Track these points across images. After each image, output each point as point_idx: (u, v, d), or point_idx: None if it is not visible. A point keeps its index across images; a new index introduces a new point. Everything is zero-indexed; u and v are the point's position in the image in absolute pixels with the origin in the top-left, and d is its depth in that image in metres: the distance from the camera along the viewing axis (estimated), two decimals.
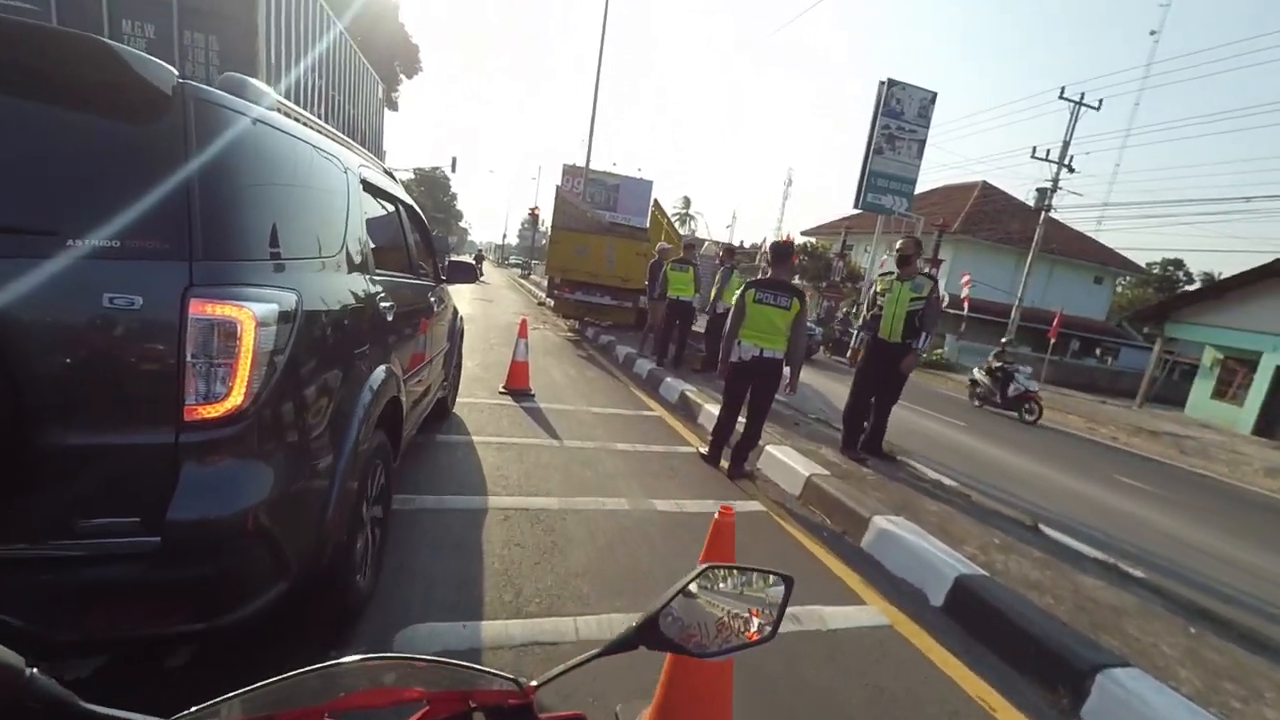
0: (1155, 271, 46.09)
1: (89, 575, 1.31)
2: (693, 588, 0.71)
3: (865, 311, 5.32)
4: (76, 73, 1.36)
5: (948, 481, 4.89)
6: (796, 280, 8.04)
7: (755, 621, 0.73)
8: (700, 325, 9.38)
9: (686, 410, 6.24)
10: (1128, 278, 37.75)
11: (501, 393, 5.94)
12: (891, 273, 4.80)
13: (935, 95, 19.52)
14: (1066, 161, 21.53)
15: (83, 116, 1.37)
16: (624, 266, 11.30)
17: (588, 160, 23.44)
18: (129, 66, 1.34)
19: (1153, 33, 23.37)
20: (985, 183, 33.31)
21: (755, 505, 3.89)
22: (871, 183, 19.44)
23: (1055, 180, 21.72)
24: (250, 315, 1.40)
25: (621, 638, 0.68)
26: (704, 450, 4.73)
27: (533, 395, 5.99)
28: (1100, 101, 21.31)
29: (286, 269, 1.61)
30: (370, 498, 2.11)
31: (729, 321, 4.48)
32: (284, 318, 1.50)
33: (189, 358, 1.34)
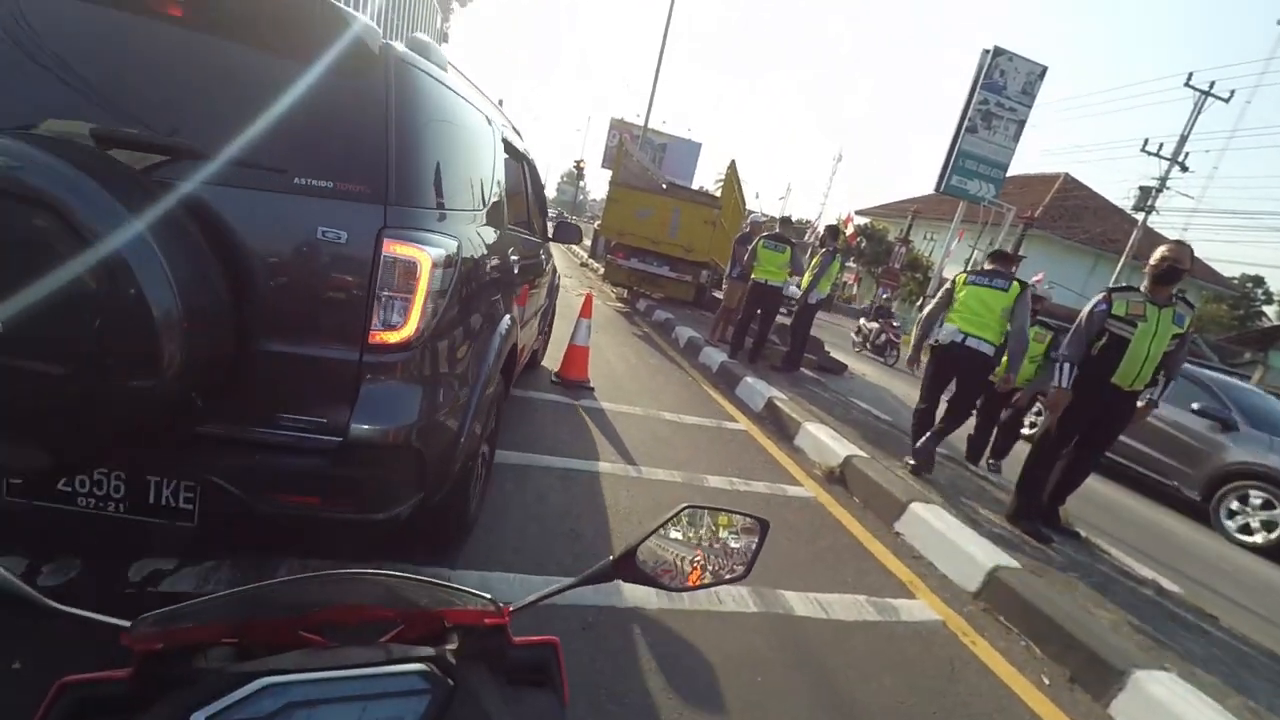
0: (1233, 287, 42.60)
1: (284, 460, 1.52)
2: (671, 526, 0.73)
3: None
4: (305, 29, 1.52)
5: (1165, 583, 3.63)
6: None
7: (730, 561, 0.76)
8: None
9: (777, 424, 5.04)
10: (1204, 291, 34.73)
11: (554, 382, 4.82)
12: (1132, 288, 3.39)
13: (1045, 70, 17.29)
14: (1180, 159, 19.17)
15: (306, 69, 1.48)
16: (689, 235, 9.96)
17: (648, 115, 21.77)
18: (349, 26, 1.50)
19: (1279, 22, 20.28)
20: (1068, 175, 30.51)
21: (927, 612, 2.71)
22: (959, 164, 17.49)
23: (1164, 178, 19.40)
24: (428, 257, 1.54)
25: (599, 569, 0.70)
26: (809, 488, 3.57)
27: (591, 389, 4.85)
28: (1232, 93, 18.76)
29: (447, 218, 1.74)
30: (485, 435, 2.20)
31: (932, 302, 4.31)
32: (448, 262, 1.63)
33: (379, 289, 1.50)
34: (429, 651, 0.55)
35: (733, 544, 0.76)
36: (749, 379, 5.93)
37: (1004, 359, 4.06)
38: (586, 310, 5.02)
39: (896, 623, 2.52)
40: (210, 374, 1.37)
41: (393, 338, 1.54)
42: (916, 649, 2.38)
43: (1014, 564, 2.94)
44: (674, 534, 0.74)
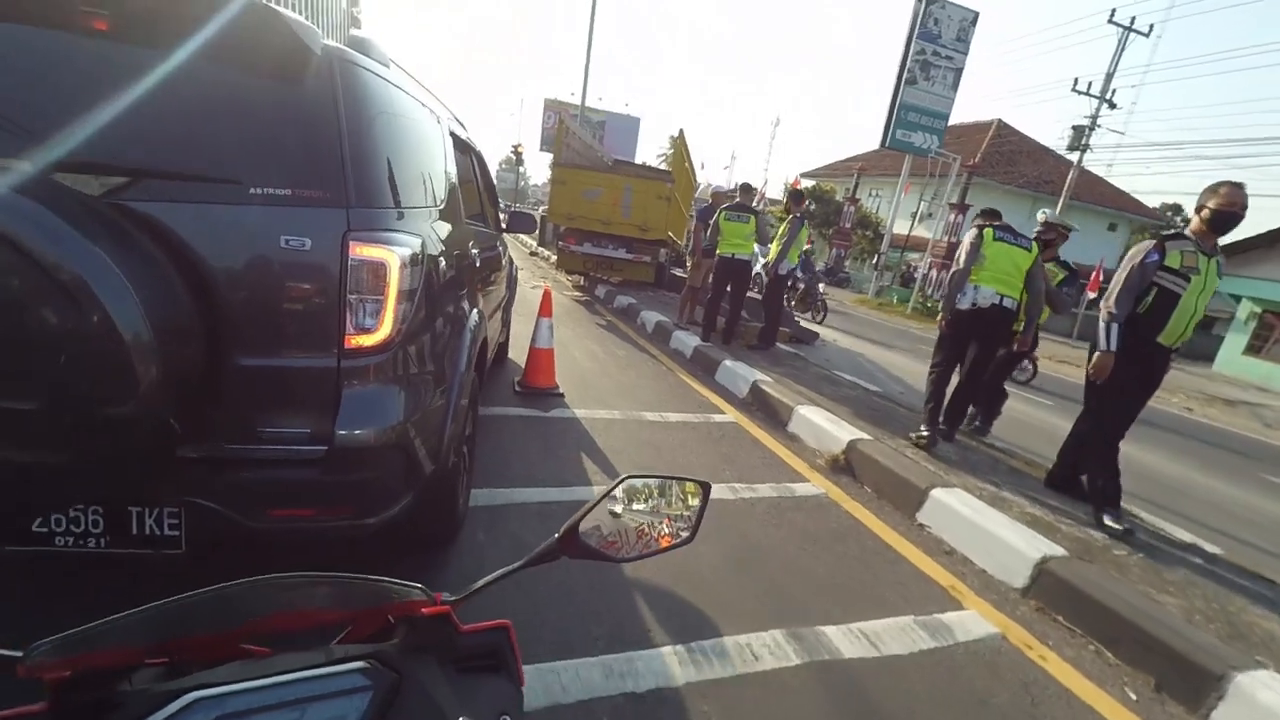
0: (1157, 217, 44.75)
1: (271, 474, 1.49)
2: (614, 497, 0.73)
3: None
4: (246, 35, 1.43)
5: (1206, 546, 3.42)
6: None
7: (675, 527, 0.76)
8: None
9: (767, 411, 4.66)
10: (1130, 221, 36.27)
11: (518, 391, 4.29)
12: (1182, 236, 2.99)
13: (977, 16, 17.30)
14: (1109, 96, 19.59)
15: (249, 76, 1.47)
16: (643, 213, 9.42)
17: (584, 92, 20.88)
18: (290, 29, 1.44)
19: None
20: (1001, 121, 31.10)
21: (982, 625, 2.36)
22: (901, 117, 17.45)
23: (1095, 116, 19.83)
24: (396, 256, 1.53)
25: (543, 549, 0.69)
26: (817, 483, 3.20)
27: (560, 395, 4.35)
28: (1151, 27, 19.20)
29: (405, 216, 1.68)
30: (466, 429, 2.21)
31: (959, 260, 3.91)
32: (414, 260, 1.61)
33: (349, 293, 1.48)
34: (372, 648, 0.55)
35: (677, 509, 0.78)
36: (727, 362, 5.52)
37: (1020, 320, 3.83)
38: (546, 308, 4.48)
39: (954, 646, 2.16)
40: (185, 394, 1.33)
41: (368, 340, 1.53)
42: (985, 678, 2.02)
43: (1060, 551, 2.62)
44: (617, 506, 0.74)
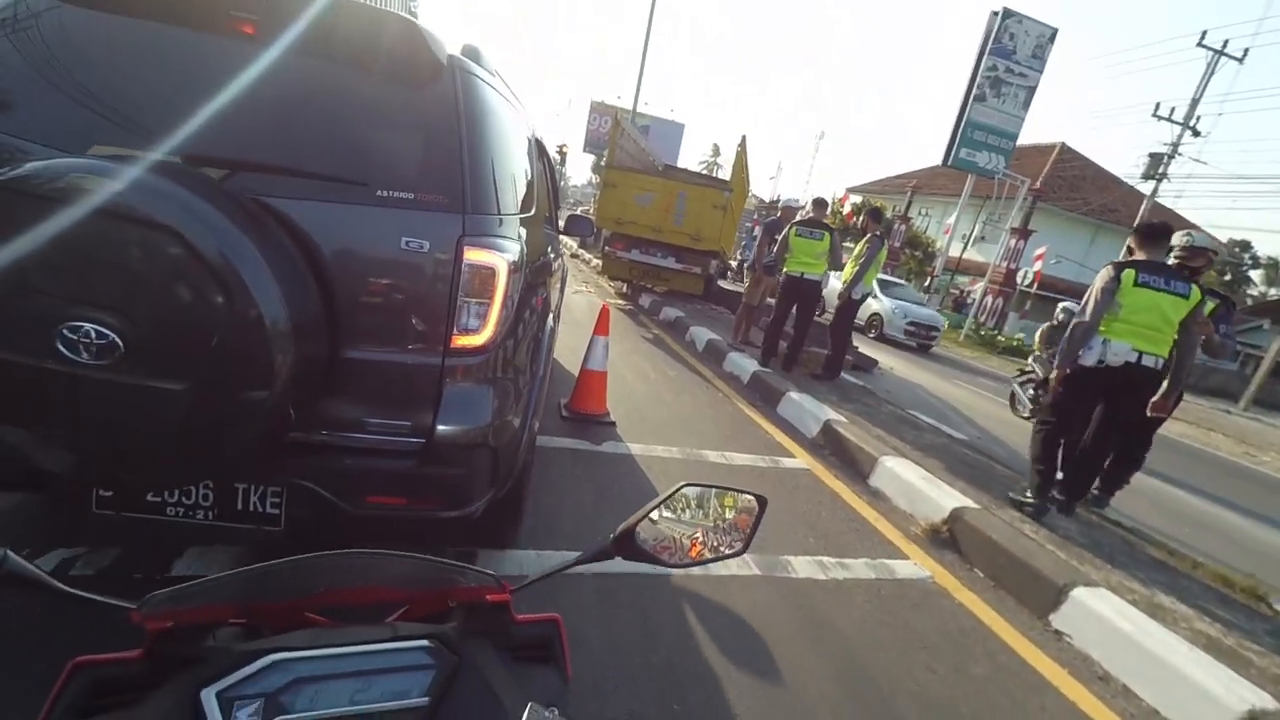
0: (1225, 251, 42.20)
1: (372, 463, 1.55)
2: (670, 503, 0.73)
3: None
4: (381, 43, 1.50)
5: None
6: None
7: (728, 538, 0.77)
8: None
9: (843, 456, 4.08)
10: None
11: (565, 417, 3.82)
12: None
13: (1056, 33, 16.35)
14: (1192, 123, 18.35)
15: (381, 82, 1.53)
16: (696, 221, 8.91)
17: (636, 95, 20.53)
18: (423, 40, 1.51)
19: None
20: (1065, 144, 29.67)
21: None
22: (967, 135, 16.58)
23: (1176, 144, 18.60)
24: (505, 262, 1.58)
25: (599, 548, 0.70)
26: (920, 561, 2.62)
27: (612, 424, 3.87)
28: (1245, 51, 17.92)
29: (504, 222, 1.69)
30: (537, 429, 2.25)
31: (1085, 308, 3.23)
32: (517, 267, 1.65)
33: (460, 295, 1.52)
34: (432, 629, 0.57)
35: (731, 520, 0.77)
36: (792, 394, 4.96)
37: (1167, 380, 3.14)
38: (603, 325, 4.00)
39: None
40: (307, 384, 1.38)
41: (473, 341, 1.58)
42: None
43: (1271, 704, 2.01)
44: (673, 512, 0.74)
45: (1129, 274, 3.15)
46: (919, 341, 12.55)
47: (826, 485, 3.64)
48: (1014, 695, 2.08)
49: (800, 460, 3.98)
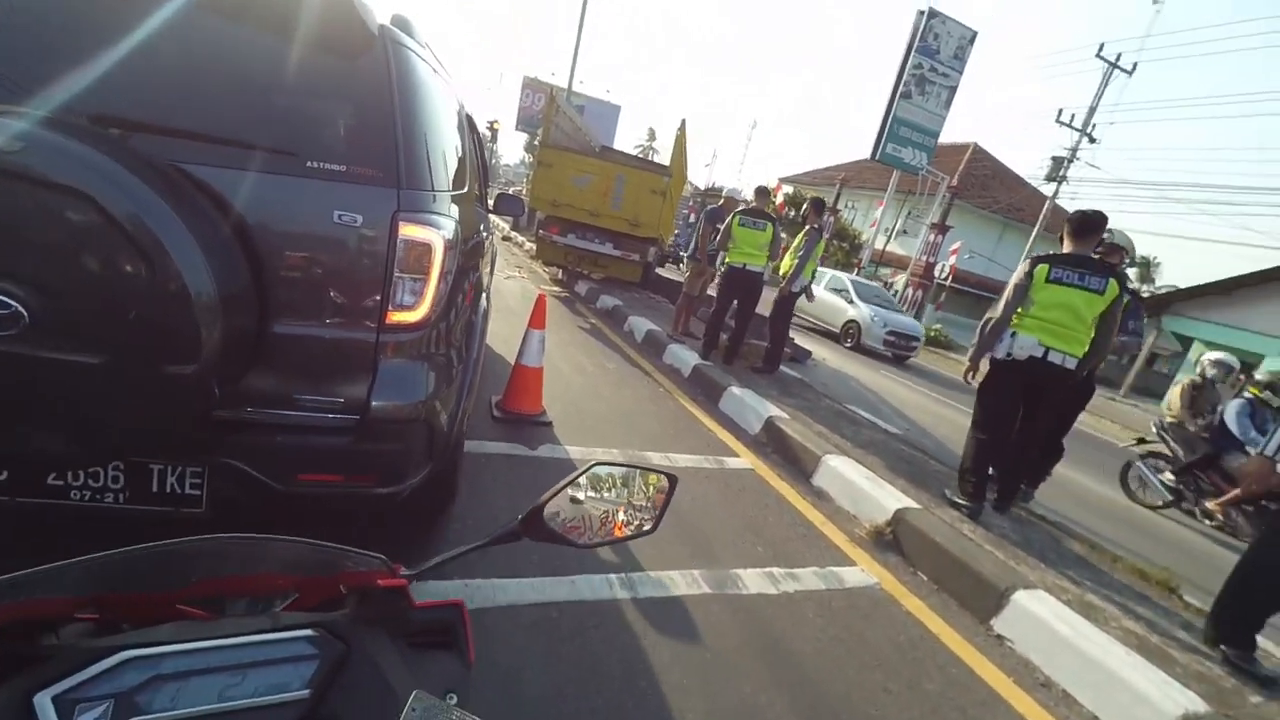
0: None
1: (305, 440, 1.51)
2: (579, 483, 0.73)
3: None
4: (312, 10, 1.44)
5: None
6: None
7: (639, 516, 0.77)
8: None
9: (786, 455, 4.01)
10: None
11: (497, 417, 3.52)
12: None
13: (975, 35, 17.13)
14: (1089, 129, 19.87)
15: (310, 50, 1.45)
16: (634, 206, 8.66)
17: (571, 73, 19.88)
18: (355, 9, 1.47)
19: (1155, 1, 21.24)
20: (977, 145, 31.51)
21: None
22: (894, 131, 17.14)
23: (1075, 150, 20.10)
24: (440, 238, 1.56)
25: (505, 530, 0.69)
26: (867, 567, 2.58)
27: (548, 424, 3.61)
28: (1134, 66, 19.52)
29: (438, 199, 1.66)
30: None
31: (1001, 304, 3.27)
32: (450, 244, 1.62)
33: (395, 271, 1.50)
34: (319, 617, 0.53)
35: (641, 499, 0.77)
36: (734, 389, 4.87)
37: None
38: (539, 318, 3.71)
39: None
40: (235, 359, 1.34)
41: (408, 318, 1.55)
42: None
43: (1202, 706, 2.06)
44: (582, 492, 0.74)
45: (1041, 269, 3.19)
46: (896, 352, 11.37)
47: (771, 487, 3.56)
48: (967, 711, 2.04)
49: (744, 460, 3.87)
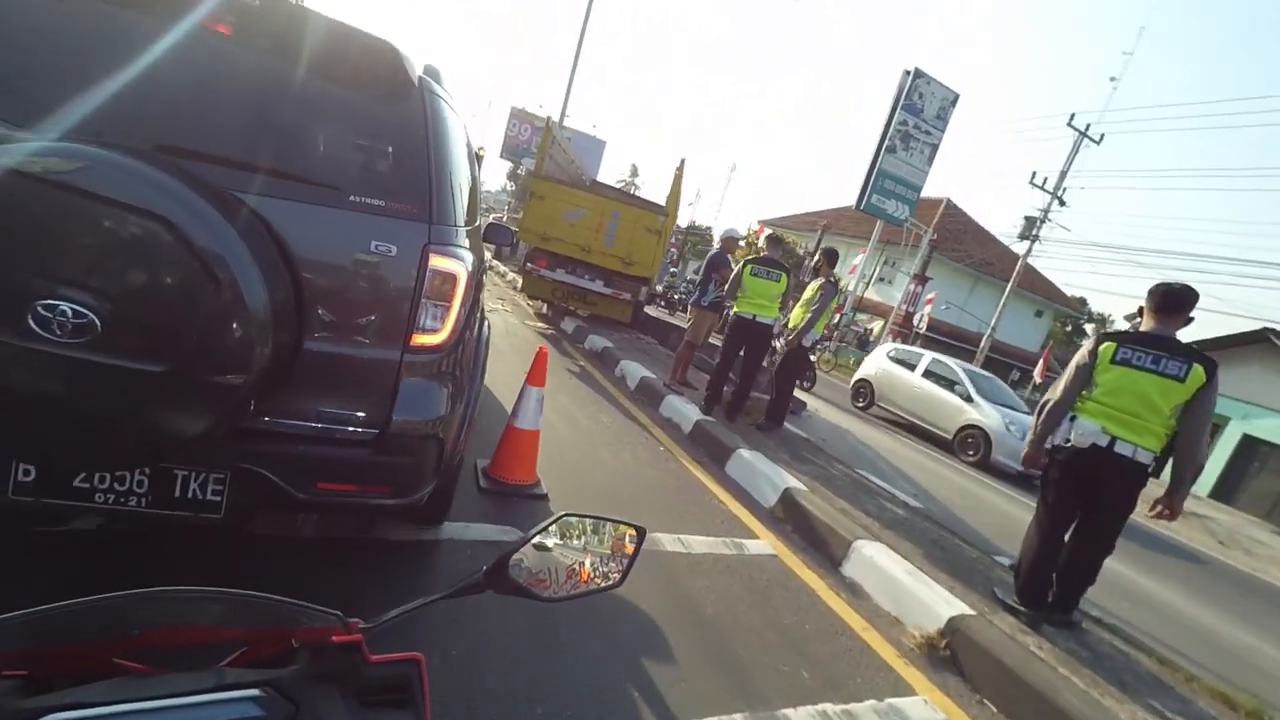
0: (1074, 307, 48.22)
1: (326, 451, 1.61)
2: (546, 535, 0.72)
3: None
4: (363, 62, 1.62)
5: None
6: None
7: (605, 569, 0.76)
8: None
9: (810, 536, 3.55)
10: (1056, 310, 38.58)
11: (484, 488, 3.00)
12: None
13: (958, 97, 17.68)
14: (1059, 193, 20.60)
15: (359, 97, 1.63)
16: (628, 244, 8.32)
17: (565, 105, 19.83)
18: (400, 61, 1.64)
19: (1112, 79, 22.56)
20: (949, 200, 32.58)
21: None
22: (878, 183, 17.38)
23: (1046, 211, 20.77)
24: (465, 269, 1.70)
25: (468, 582, 0.67)
26: (927, 695, 2.11)
27: (544, 496, 3.10)
28: (1102, 136, 20.43)
29: (460, 233, 1.78)
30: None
31: (1060, 385, 2.95)
32: (472, 274, 1.79)
33: (423, 298, 1.63)
34: (267, 674, 0.51)
35: (608, 551, 0.76)
36: (743, 452, 4.43)
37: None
38: (538, 373, 3.23)
39: None
40: (273, 372, 1.39)
41: (430, 340, 1.67)
42: None
43: None
44: (549, 541, 0.73)
45: (1107, 348, 2.85)
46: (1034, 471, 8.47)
47: (800, 579, 3.08)
48: None
49: (765, 542, 3.40)
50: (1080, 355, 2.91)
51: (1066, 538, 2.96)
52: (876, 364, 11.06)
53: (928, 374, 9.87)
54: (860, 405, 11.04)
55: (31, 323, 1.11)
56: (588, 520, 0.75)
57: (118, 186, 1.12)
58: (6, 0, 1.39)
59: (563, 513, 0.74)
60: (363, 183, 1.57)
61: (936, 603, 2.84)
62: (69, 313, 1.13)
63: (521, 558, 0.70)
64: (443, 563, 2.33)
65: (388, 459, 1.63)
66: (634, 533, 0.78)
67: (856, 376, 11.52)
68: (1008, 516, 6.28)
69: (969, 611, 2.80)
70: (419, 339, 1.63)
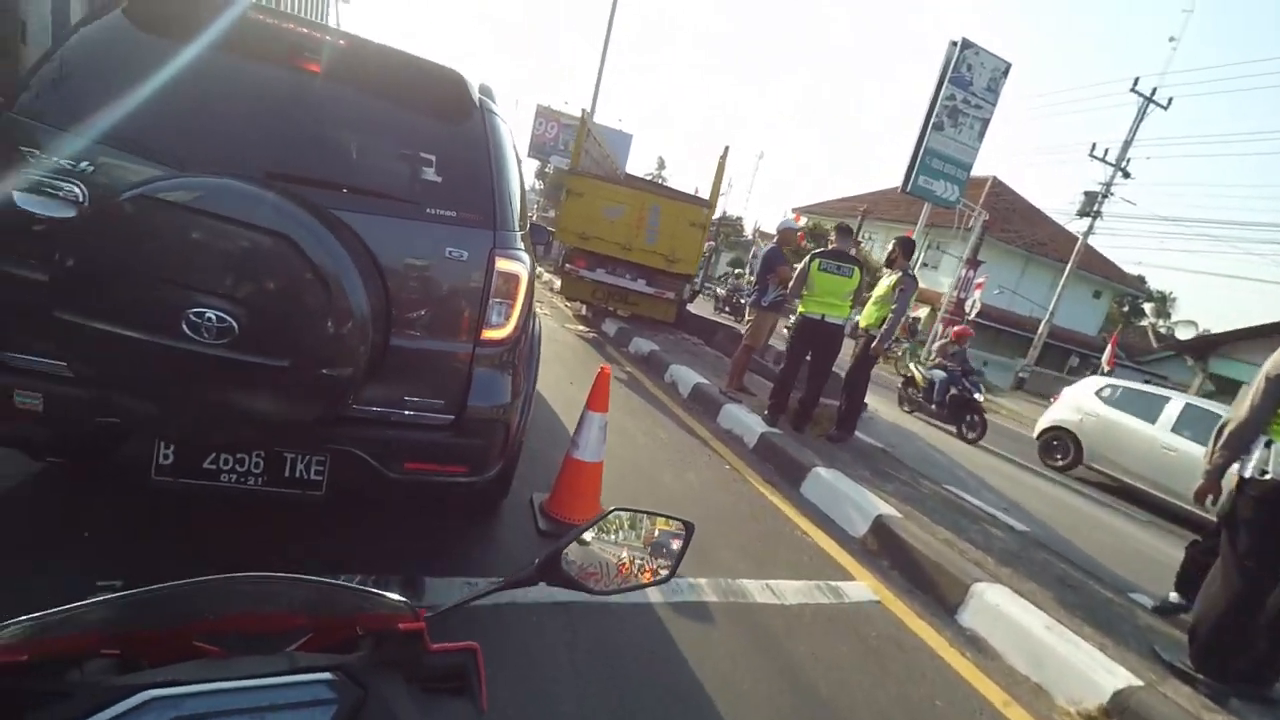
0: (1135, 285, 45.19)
1: (412, 434, 1.81)
2: (596, 529, 0.75)
3: None
4: (433, 88, 1.83)
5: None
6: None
7: (655, 563, 0.78)
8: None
9: (914, 575, 3.07)
10: (1114, 291, 36.40)
11: (544, 531, 2.62)
12: None
13: (1009, 67, 16.55)
14: (1123, 164, 19.20)
15: (430, 120, 1.84)
16: (670, 240, 7.86)
17: (594, 100, 19.41)
18: (466, 87, 1.85)
19: (1171, 39, 20.81)
20: (995, 178, 30.96)
21: None
22: (925, 163, 16.42)
23: (1109, 184, 19.41)
24: (525, 270, 1.90)
25: (523, 574, 0.69)
26: None
27: None
28: (1170, 100, 18.93)
29: (519, 237, 1.96)
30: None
31: (1246, 404, 2.37)
32: (532, 275, 2.00)
33: (491, 297, 1.82)
34: (336, 659, 0.53)
35: (659, 546, 0.78)
36: (820, 470, 3.95)
37: None
38: (600, 397, 2.82)
39: None
40: (371, 365, 1.59)
41: (498, 335, 1.86)
42: None
43: None
44: (600, 536, 0.75)
45: None
46: None
47: (914, 635, 2.61)
48: None
49: (864, 585, 2.93)
50: (1273, 364, 2.34)
51: (1268, 593, 2.40)
52: (1080, 406, 7.93)
53: (1184, 431, 6.54)
54: (1057, 463, 8.01)
55: (185, 327, 1.36)
56: (637, 515, 0.78)
57: (251, 212, 1.35)
58: (166, 73, 1.58)
59: (612, 508, 0.77)
60: (436, 196, 1.77)
61: (1091, 668, 2.34)
62: (214, 319, 1.36)
63: (574, 552, 0.72)
64: (497, 641, 1.96)
65: (464, 441, 1.84)
66: (681, 526, 0.80)
67: (1049, 422, 8.25)
68: (1119, 536, 5.63)
69: (1135, 681, 2.29)
70: (488, 334, 1.83)
